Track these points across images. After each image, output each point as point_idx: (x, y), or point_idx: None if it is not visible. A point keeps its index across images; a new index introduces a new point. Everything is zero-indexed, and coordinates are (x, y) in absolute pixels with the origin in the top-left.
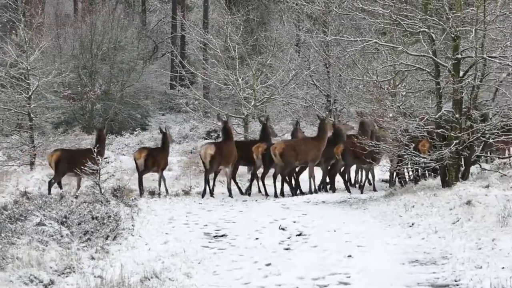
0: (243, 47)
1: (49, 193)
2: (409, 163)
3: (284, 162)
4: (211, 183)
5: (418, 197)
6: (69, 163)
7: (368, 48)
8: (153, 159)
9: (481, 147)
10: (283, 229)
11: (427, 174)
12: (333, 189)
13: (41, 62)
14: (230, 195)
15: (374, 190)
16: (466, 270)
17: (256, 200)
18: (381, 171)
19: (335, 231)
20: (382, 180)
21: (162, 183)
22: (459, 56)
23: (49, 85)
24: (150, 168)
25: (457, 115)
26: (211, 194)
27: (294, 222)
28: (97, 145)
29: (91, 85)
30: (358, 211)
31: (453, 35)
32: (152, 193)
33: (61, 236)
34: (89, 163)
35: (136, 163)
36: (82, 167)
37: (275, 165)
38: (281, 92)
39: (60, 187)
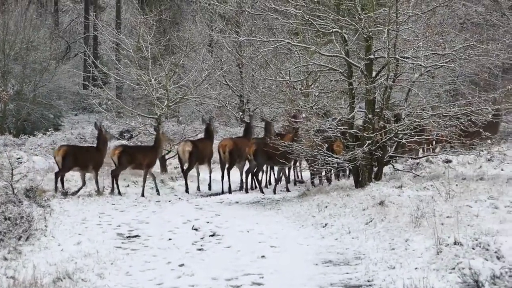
0: (156, 47)
1: (56, 188)
2: (322, 164)
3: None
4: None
5: (331, 198)
6: (75, 158)
7: (280, 48)
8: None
9: (394, 147)
10: (196, 229)
11: (341, 175)
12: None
13: None
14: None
15: (287, 190)
16: (379, 270)
17: (169, 201)
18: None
19: (248, 231)
20: (296, 181)
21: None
22: (372, 56)
23: None
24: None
25: (370, 116)
26: (186, 190)
27: (208, 222)
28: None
29: (4, 85)
30: (271, 211)
31: (365, 36)
32: (65, 194)
33: None
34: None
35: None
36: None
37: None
38: (194, 92)
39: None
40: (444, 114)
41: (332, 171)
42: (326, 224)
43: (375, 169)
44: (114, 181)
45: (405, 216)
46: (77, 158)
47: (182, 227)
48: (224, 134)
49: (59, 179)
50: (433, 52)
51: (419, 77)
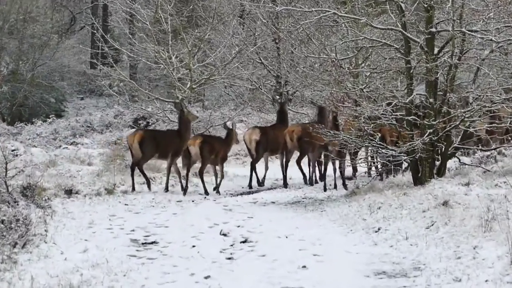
0: (177, 18)
1: (134, 187)
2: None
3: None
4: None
5: (385, 197)
6: (154, 145)
7: (325, 20)
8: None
9: (459, 137)
10: (224, 234)
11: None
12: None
13: None
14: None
15: (335, 187)
16: (442, 283)
17: (192, 201)
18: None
19: (286, 237)
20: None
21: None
22: (434, 29)
23: None
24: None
25: (431, 100)
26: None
27: (238, 226)
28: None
29: None
30: (314, 213)
31: (426, 5)
32: (68, 192)
33: None
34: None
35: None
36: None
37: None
38: (222, 72)
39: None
40: None
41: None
42: (379, 229)
43: (437, 163)
44: (201, 181)
45: (473, 219)
46: (158, 144)
47: (208, 232)
48: (258, 121)
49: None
50: (506, 25)
51: (490, 54)
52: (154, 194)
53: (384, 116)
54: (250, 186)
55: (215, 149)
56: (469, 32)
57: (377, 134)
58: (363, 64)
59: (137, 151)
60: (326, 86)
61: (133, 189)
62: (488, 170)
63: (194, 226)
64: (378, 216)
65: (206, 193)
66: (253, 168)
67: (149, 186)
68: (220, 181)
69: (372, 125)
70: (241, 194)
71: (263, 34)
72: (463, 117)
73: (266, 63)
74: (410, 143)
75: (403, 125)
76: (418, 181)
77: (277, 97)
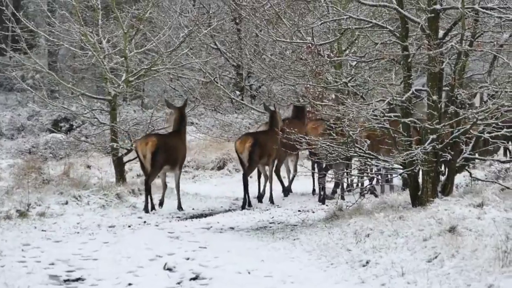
0: None
1: (147, 206)
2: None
3: None
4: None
5: (376, 222)
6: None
7: None
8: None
9: (471, 145)
10: (170, 269)
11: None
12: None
13: None
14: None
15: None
16: None
17: (129, 226)
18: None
19: (249, 273)
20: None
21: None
22: (438, 6)
23: None
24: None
25: (434, 97)
26: (152, 208)
27: (187, 259)
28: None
29: None
30: (284, 242)
31: None
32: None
33: None
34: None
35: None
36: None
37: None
38: (167, 61)
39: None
40: None
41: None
42: (367, 262)
43: (442, 178)
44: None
45: (487, 249)
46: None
47: (148, 266)
48: (212, 123)
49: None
50: None
51: (510, 38)
52: (79, 217)
53: (375, 117)
54: (243, 206)
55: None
56: (484, 10)
57: (366, 141)
58: (347, 51)
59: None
60: (300, 79)
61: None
62: (508, 188)
63: (130, 258)
64: (367, 246)
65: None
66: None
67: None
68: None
69: (359, 129)
70: (191, 217)
71: (220, 12)
72: (475, 119)
73: (224, 49)
74: (408, 152)
75: (398, 129)
76: (418, 201)
77: (238, 92)
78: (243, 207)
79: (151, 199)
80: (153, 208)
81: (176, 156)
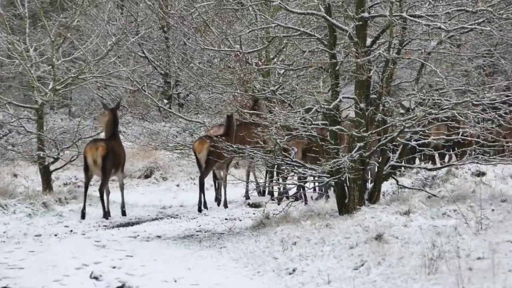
0: (37, 0)
1: (107, 213)
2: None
3: None
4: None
5: (303, 230)
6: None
7: (227, 2)
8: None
9: (398, 152)
10: (96, 278)
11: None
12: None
13: None
14: None
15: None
16: None
17: (55, 235)
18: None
19: (175, 281)
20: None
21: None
22: (366, 14)
23: None
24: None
25: (362, 105)
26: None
27: (114, 267)
28: None
29: None
30: (211, 250)
31: None
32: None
33: None
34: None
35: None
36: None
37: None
38: (94, 69)
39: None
40: (475, 102)
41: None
42: (294, 270)
43: (369, 185)
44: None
45: (414, 257)
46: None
47: (74, 275)
48: (140, 132)
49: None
50: (458, 8)
51: (438, 46)
52: (5, 226)
53: (302, 125)
54: (199, 209)
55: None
56: (411, 18)
57: (293, 149)
58: (275, 59)
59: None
60: (228, 87)
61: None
62: (434, 195)
63: (57, 267)
64: (293, 253)
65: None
66: (201, 184)
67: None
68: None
69: (286, 137)
70: (118, 226)
71: (148, 20)
72: (402, 127)
73: (151, 58)
74: (335, 160)
75: (326, 137)
76: (345, 208)
77: (165, 101)
78: (199, 209)
79: (108, 205)
80: (109, 214)
81: (119, 160)
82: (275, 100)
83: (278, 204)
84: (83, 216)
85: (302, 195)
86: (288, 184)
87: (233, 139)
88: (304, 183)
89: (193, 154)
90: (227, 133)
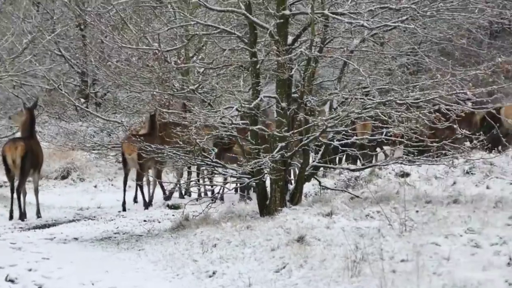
0: None
1: (23, 214)
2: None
3: None
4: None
5: (223, 232)
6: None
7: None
8: None
9: (320, 153)
10: (12, 281)
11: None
12: None
13: None
14: None
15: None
16: None
17: None
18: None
19: (93, 284)
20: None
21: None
22: (287, 12)
23: None
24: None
25: (283, 104)
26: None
27: (30, 270)
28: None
29: None
30: (129, 253)
31: None
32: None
33: None
34: None
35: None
36: None
37: None
38: (10, 68)
39: None
40: (398, 101)
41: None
42: (214, 273)
43: (291, 187)
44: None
45: (336, 259)
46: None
47: None
48: (57, 131)
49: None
50: (382, 6)
51: (361, 44)
52: None
53: (223, 125)
54: (124, 208)
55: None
56: (334, 16)
57: (213, 149)
58: (195, 58)
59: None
60: (147, 86)
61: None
62: (357, 196)
63: None
64: (213, 256)
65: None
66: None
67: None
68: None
69: (206, 137)
70: (35, 228)
71: (64, 17)
72: (324, 127)
73: (68, 56)
74: (256, 161)
75: (246, 137)
76: (266, 210)
77: (82, 100)
78: (124, 209)
79: (24, 206)
80: (25, 216)
81: (38, 160)
82: (195, 98)
83: (196, 201)
84: (11, 217)
85: (221, 196)
86: (208, 185)
87: (155, 138)
88: (225, 184)
89: (121, 154)
90: (150, 133)
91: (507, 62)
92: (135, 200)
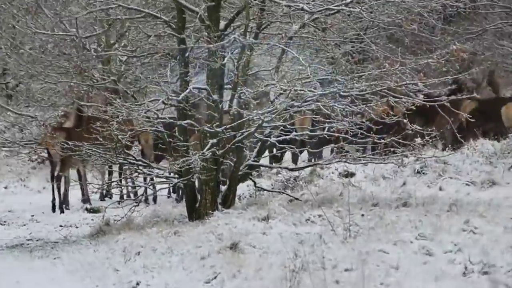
0: None
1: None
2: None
3: None
4: None
5: (148, 238)
6: None
7: None
8: None
9: (256, 150)
10: None
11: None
12: None
13: None
14: None
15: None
16: None
17: None
18: None
19: None
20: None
21: None
22: None
23: None
24: None
25: (215, 96)
26: None
27: None
28: None
29: None
30: (44, 261)
31: None
32: None
33: None
34: None
35: None
36: None
37: None
38: None
39: None
40: (342, 93)
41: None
42: (138, 283)
43: (223, 188)
44: None
45: (274, 268)
46: None
47: None
48: None
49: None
50: None
51: (300, 30)
52: None
53: (148, 120)
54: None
55: None
56: None
57: (136, 146)
58: (116, 45)
59: None
60: (63, 76)
61: None
62: (297, 199)
63: None
64: (137, 265)
65: None
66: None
67: None
68: None
69: (130, 132)
70: None
71: None
72: (261, 121)
73: None
74: (184, 159)
75: (174, 133)
76: (196, 214)
77: None
78: (53, 209)
79: None
80: None
81: None
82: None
83: (118, 203)
84: None
85: (146, 199)
86: (131, 186)
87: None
88: (149, 185)
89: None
90: (77, 126)
91: (462, 50)
92: (54, 202)
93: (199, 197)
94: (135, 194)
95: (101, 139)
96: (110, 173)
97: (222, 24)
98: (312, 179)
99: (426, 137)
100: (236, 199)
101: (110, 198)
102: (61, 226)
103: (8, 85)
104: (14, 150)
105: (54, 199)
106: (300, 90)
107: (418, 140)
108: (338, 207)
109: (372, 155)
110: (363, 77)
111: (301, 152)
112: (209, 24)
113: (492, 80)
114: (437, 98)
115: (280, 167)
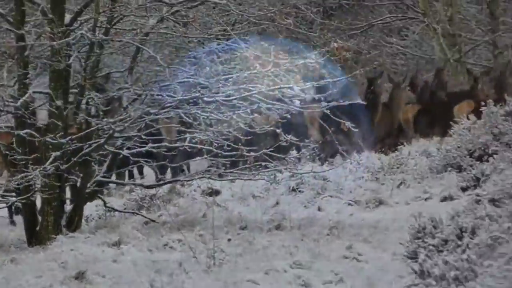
0: None
1: None
2: None
3: None
4: None
5: None
6: None
7: None
8: None
9: (106, 164)
10: None
11: None
12: None
13: None
14: None
15: None
16: None
17: None
18: None
19: None
20: None
21: None
22: None
23: None
24: None
25: (58, 102)
26: None
27: None
28: None
29: None
30: None
31: None
32: None
33: None
34: None
35: None
36: None
37: None
38: None
39: None
40: (206, 98)
41: None
42: None
43: (68, 208)
44: None
45: None
46: None
47: None
48: None
49: None
50: None
51: (158, 24)
52: None
53: None
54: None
55: None
56: None
57: None
58: None
59: None
60: None
61: None
62: (153, 221)
63: None
64: None
65: None
66: None
67: None
68: None
69: None
70: None
71: None
72: (111, 131)
73: None
74: (23, 175)
75: (11, 144)
76: (36, 238)
77: None
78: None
79: None
80: None
81: None
82: None
83: None
84: None
85: None
86: None
87: None
88: None
89: None
90: None
91: (345, 48)
92: None
93: (40, 219)
94: None
95: None
96: None
97: (67, 17)
98: (171, 198)
99: (303, 150)
100: (83, 220)
101: None
102: None
103: None
104: None
105: None
106: (157, 95)
107: (294, 153)
108: (201, 230)
109: (240, 170)
110: (230, 80)
111: (161, 167)
112: (52, 18)
113: (440, 78)
114: (314, 105)
115: (134, 184)
